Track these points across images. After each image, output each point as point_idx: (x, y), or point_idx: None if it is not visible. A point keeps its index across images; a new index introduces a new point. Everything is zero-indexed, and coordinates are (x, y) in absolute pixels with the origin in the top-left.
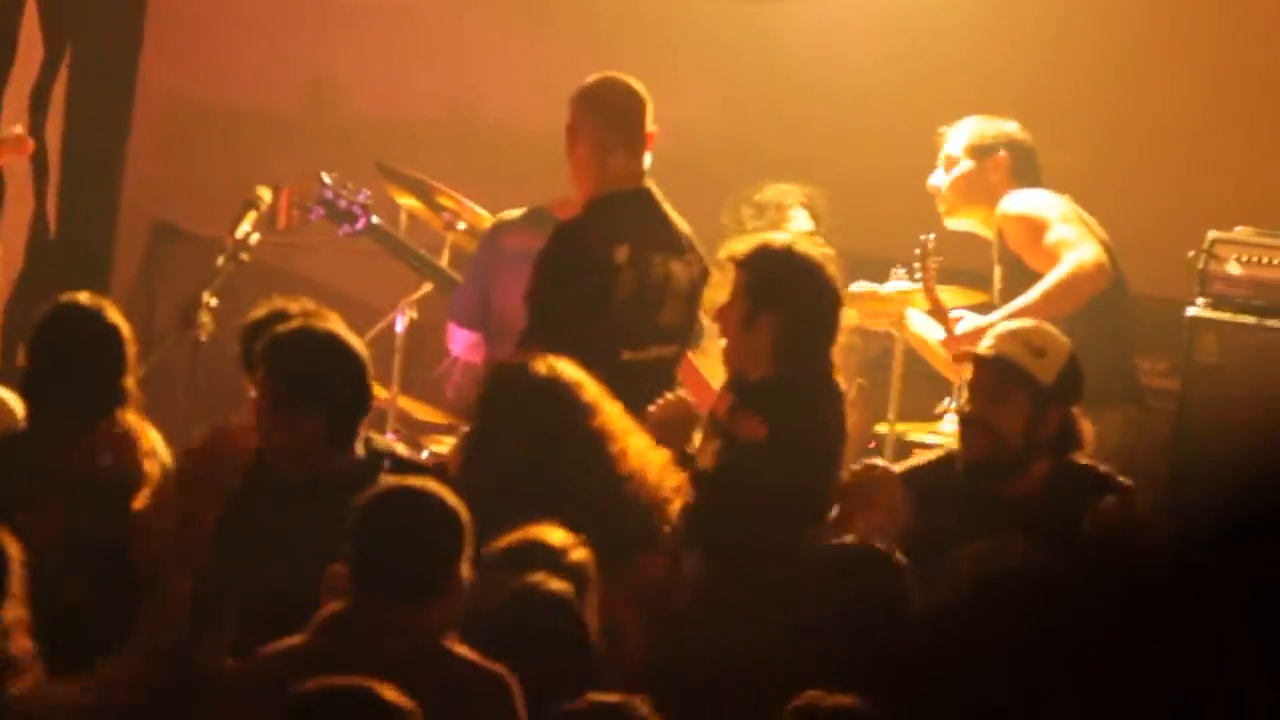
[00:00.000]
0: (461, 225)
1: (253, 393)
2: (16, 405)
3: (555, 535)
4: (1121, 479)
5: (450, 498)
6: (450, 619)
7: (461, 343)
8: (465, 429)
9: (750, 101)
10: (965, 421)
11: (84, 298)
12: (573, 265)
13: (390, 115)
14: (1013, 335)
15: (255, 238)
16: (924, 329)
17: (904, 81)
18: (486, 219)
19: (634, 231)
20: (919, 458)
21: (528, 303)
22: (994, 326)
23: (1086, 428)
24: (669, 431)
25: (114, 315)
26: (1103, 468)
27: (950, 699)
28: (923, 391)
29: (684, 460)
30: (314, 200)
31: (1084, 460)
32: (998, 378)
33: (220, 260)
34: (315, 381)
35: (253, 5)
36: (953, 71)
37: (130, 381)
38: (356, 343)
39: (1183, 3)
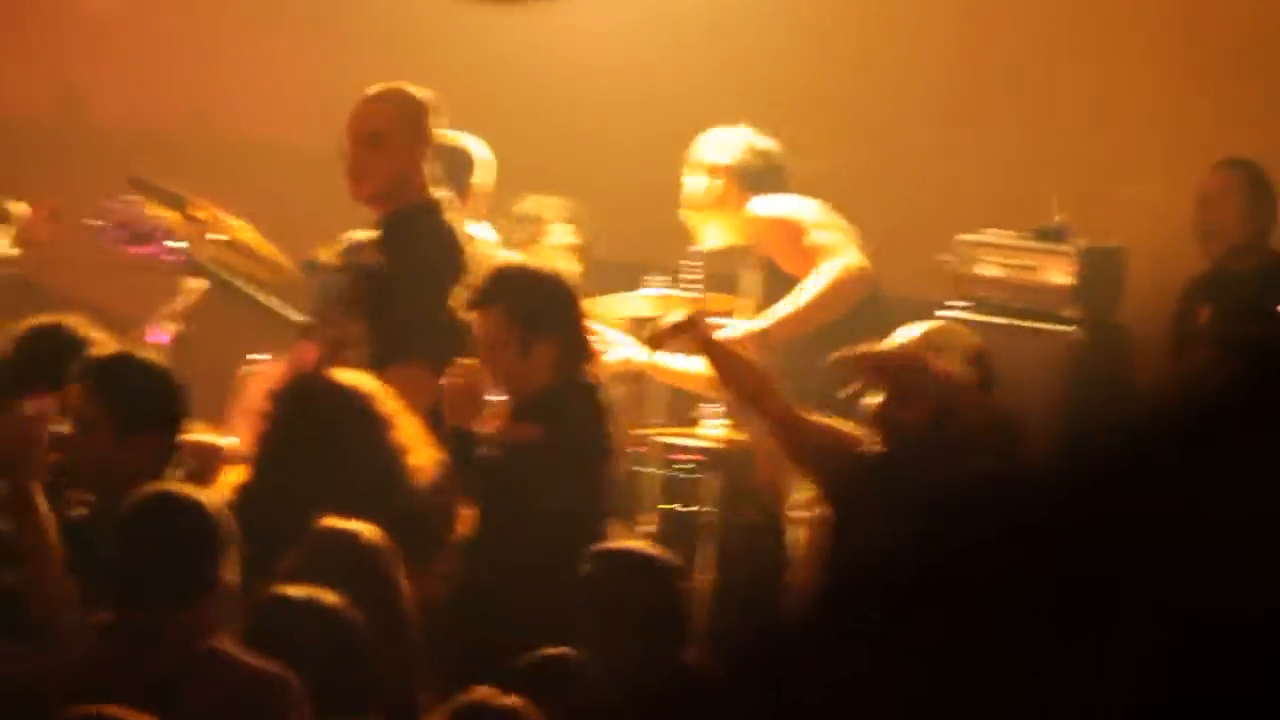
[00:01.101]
0: (218, 237)
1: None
2: None
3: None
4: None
5: (208, 500)
6: (215, 622)
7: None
8: (253, 439)
9: (507, 111)
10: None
11: None
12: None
13: (139, 126)
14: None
15: (12, 252)
16: (672, 362)
17: (661, 89)
18: (242, 230)
19: None
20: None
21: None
22: (762, 332)
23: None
24: (460, 398)
25: None
26: None
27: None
28: (678, 397)
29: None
30: (113, 218)
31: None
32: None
33: None
34: (149, 407)
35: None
36: (708, 77)
37: None
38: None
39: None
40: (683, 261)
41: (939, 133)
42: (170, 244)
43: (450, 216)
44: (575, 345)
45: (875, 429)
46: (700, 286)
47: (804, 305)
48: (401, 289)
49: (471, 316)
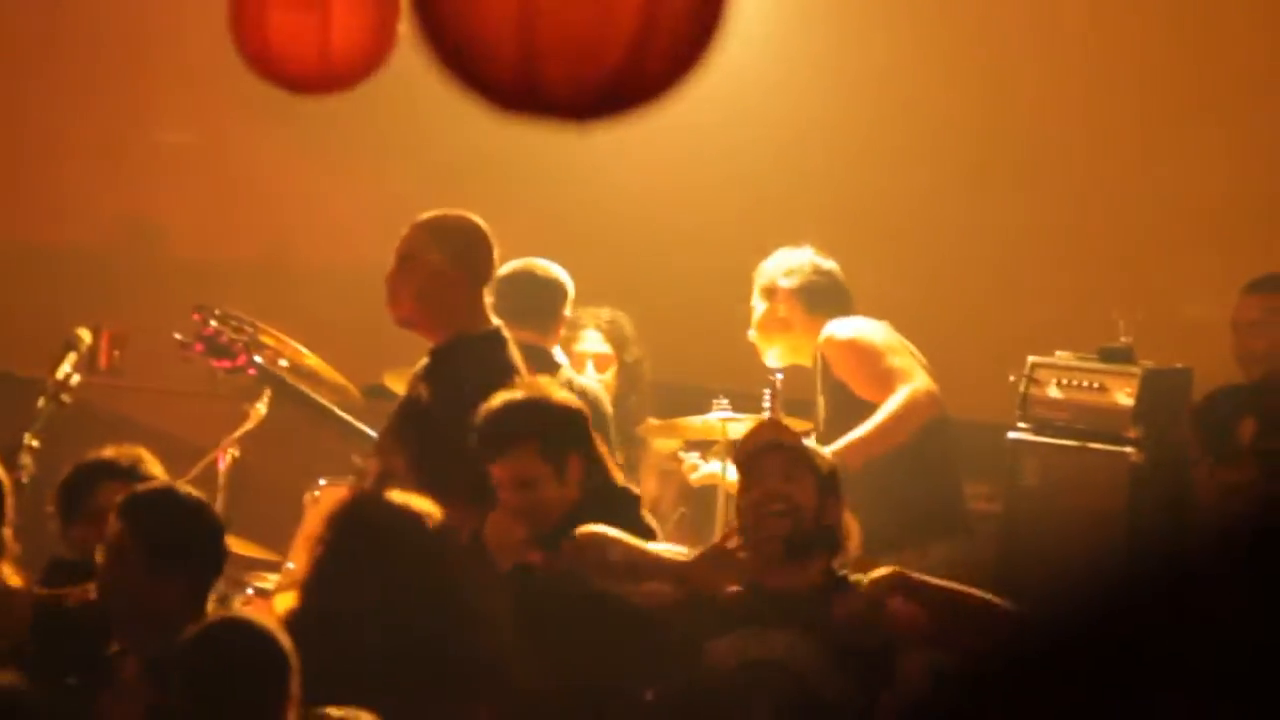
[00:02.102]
0: (284, 363)
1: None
2: None
3: None
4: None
5: (276, 631)
6: None
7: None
8: (307, 562)
9: (572, 232)
10: (762, 503)
11: None
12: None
13: (207, 256)
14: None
15: (76, 379)
16: None
17: (723, 213)
18: (307, 356)
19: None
20: None
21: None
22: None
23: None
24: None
25: None
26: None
27: None
28: None
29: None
30: (193, 335)
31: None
32: (787, 460)
33: (41, 401)
34: (182, 546)
35: (73, 144)
36: (766, 199)
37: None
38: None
39: (993, 127)
40: (767, 391)
41: (1002, 255)
42: (256, 360)
43: (504, 349)
44: (596, 457)
45: None
46: (776, 409)
47: (874, 431)
48: (441, 422)
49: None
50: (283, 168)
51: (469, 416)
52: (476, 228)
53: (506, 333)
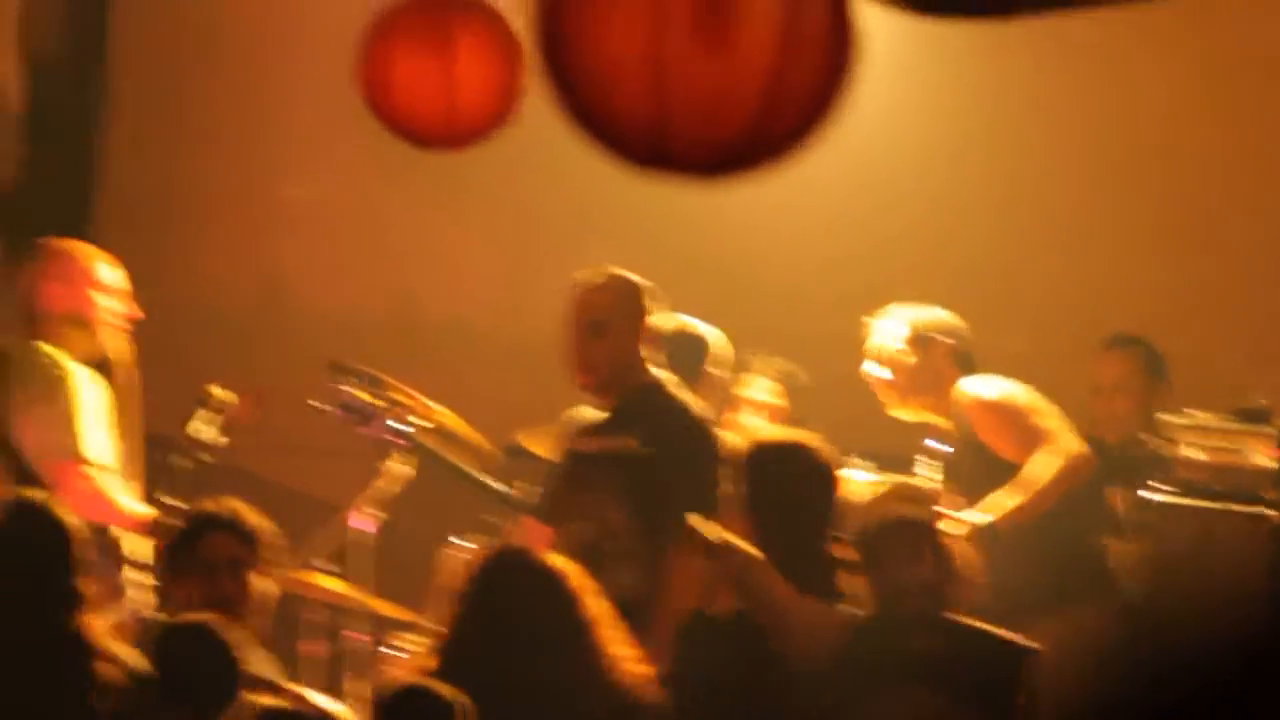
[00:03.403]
0: (417, 420)
1: None
2: None
3: None
4: None
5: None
6: None
7: (539, 541)
8: (449, 618)
9: (690, 292)
10: (890, 588)
11: (36, 496)
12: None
13: (337, 311)
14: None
15: (216, 437)
16: None
17: (839, 273)
18: (443, 414)
19: None
20: None
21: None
22: (990, 527)
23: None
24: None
25: (65, 514)
26: None
27: None
28: None
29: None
30: (330, 400)
31: None
32: (905, 537)
33: (175, 459)
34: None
35: (207, 205)
36: (889, 257)
37: (86, 584)
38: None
39: (1129, 186)
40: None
41: (1138, 315)
42: (392, 424)
43: (680, 394)
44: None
45: None
46: (937, 473)
47: (1034, 497)
48: (656, 470)
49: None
50: (412, 221)
51: (684, 461)
52: (637, 284)
53: (667, 382)
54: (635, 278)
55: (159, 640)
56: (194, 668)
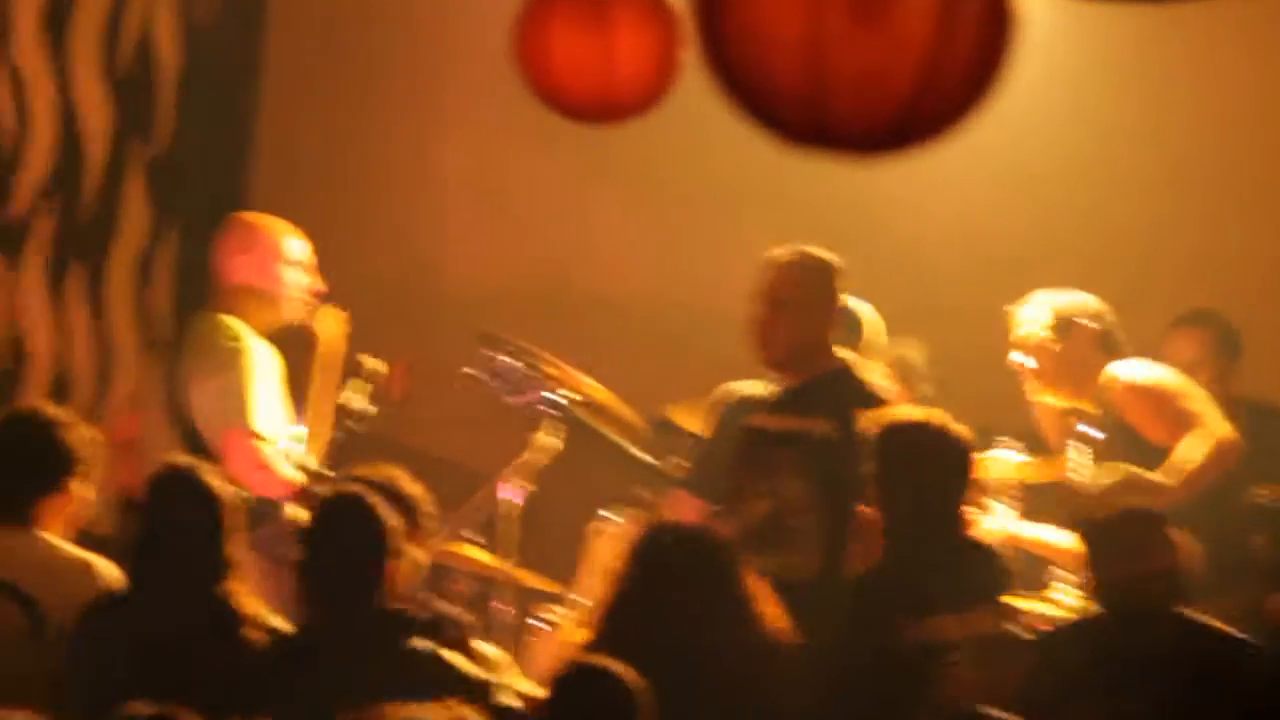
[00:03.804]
0: (568, 393)
1: None
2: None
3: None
4: None
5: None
6: None
7: (690, 513)
8: (605, 592)
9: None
10: (1116, 583)
11: (184, 465)
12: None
13: (486, 285)
14: (1127, 487)
15: (370, 408)
16: (1038, 534)
17: (986, 250)
18: (592, 387)
19: None
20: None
21: None
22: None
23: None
24: None
25: (215, 483)
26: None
27: None
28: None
29: None
30: (483, 369)
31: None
32: (1133, 531)
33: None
34: None
35: (359, 175)
36: (1035, 236)
37: (235, 550)
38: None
39: (1270, 170)
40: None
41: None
42: (544, 394)
43: (870, 379)
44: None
45: None
46: (1087, 458)
47: (1185, 482)
48: (844, 454)
49: None
50: (562, 196)
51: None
52: (831, 265)
53: (856, 365)
54: (827, 257)
55: None
56: None
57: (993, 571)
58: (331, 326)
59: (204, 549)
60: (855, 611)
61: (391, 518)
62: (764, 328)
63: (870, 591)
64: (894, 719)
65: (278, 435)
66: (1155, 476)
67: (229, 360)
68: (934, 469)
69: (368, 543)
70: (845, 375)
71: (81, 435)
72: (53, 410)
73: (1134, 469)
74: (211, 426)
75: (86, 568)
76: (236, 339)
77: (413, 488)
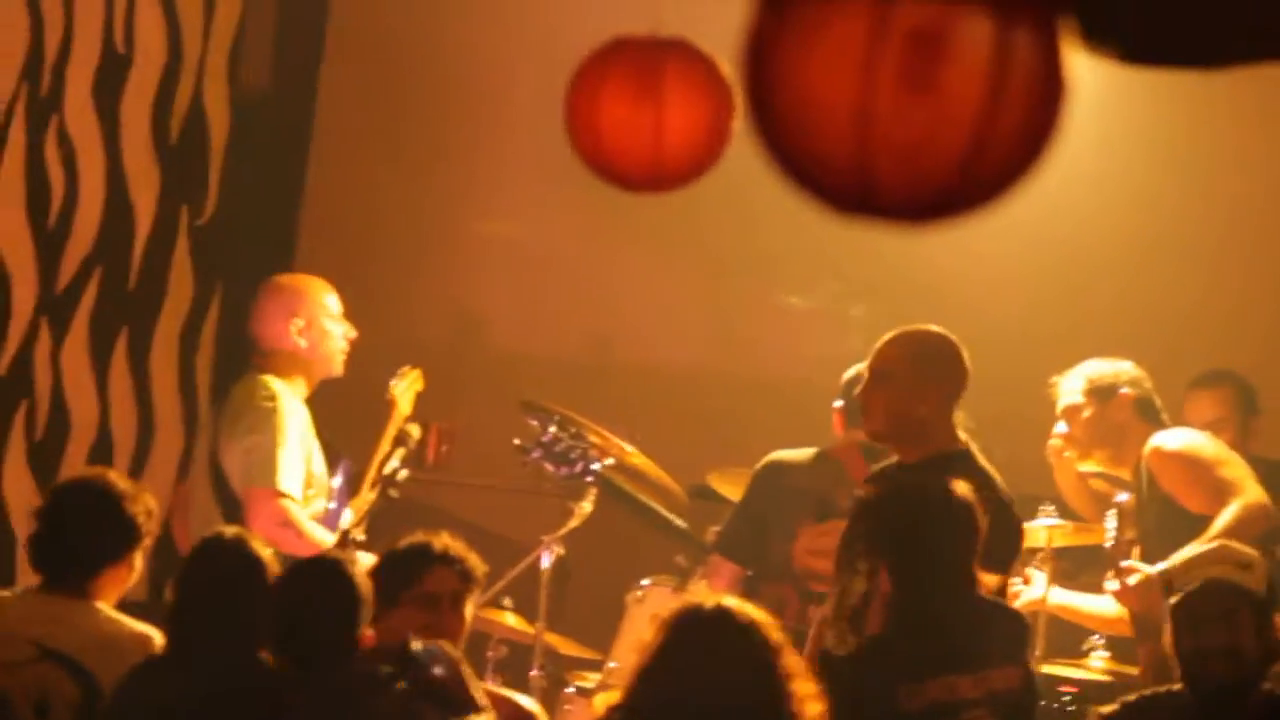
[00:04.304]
0: (609, 461)
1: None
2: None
3: None
4: None
5: None
6: None
7: (726, 578)
8: (638, 659)
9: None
10: (1199, 655)
11: (228, 531)
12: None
13: (530, 349)
14: (1213, 558)
15: (403, 473)
16: (1068, 600)
17: (1030, 317)
18: (633, 455)
19: None
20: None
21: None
22: (1176, 568)
23: None
24: None
25: (258, 548)
26: None
27: None
28: (1059, 628)
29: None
30: (532, 441)
31: None
32: (1220, 602)
33: (367, 494)
34: None
35: (408, 241)
36: (1079, 301)
37: None
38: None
39: None
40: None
41: None
42: (592, 465)
43: (988, 469)
44: None
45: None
46: (1124, 530)
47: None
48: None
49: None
50: (610, 262)
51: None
52: (950, 344)
53: (976, 451)
54: (939, 334)
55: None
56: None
57: (1011, 630)
58: (410, 390)
59: (247, 614)
60: (857, 679)
61: (365, 585)
62: (864, 398)
63: (875, 657)
64: None
65: (314, 495)
66: (1243, 548)
67: (259, 420)
68: (928, 531)
69: (342, 608)
70: (964, 459)
71: (145, 506)
72: (118, 480)
73: (1228, 541)
74: (240, 484)
75: (146, 641)
76: (271, 399)
77: (474, 557)
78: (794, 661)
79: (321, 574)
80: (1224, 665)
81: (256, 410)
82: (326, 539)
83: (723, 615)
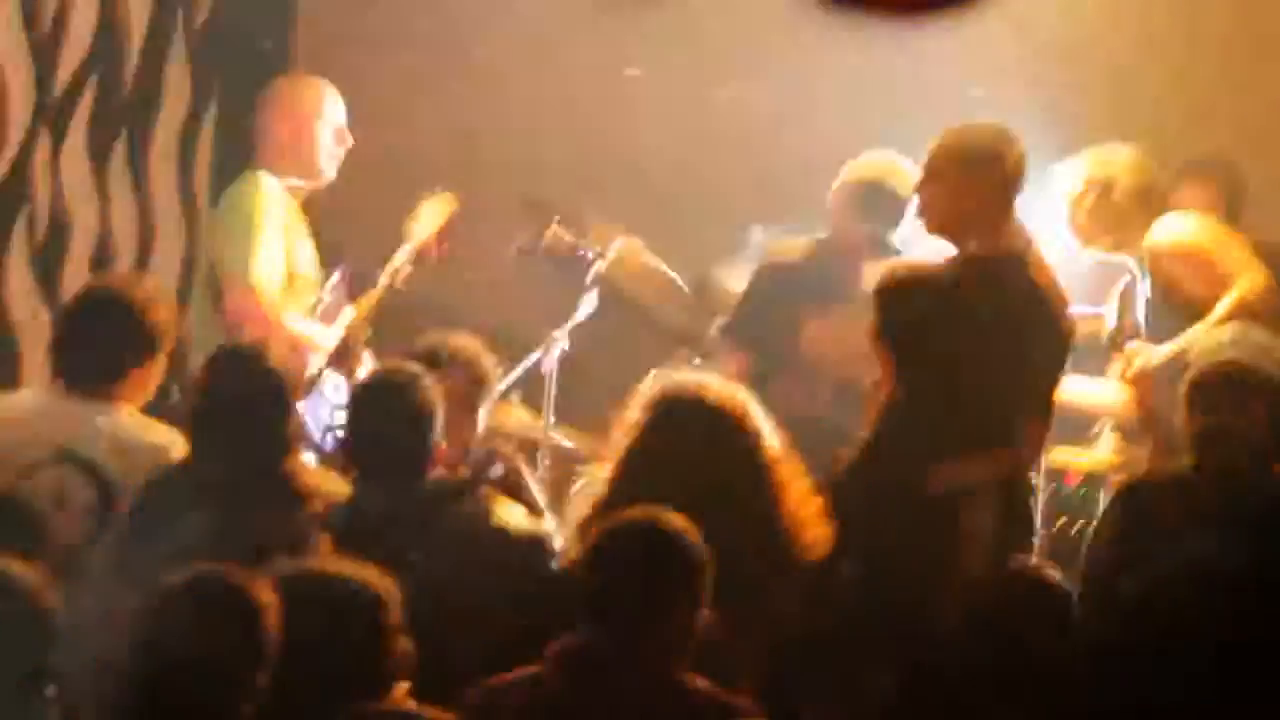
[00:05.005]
0: (613, 256)
1: None
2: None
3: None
4: None
5: (688, 534)
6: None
7: (734, 367)
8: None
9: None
10: (1209, 435)
11: (244, 345)
12: None
13: (527, 155)
14: (1237, 343)
15: (406, 268)
16: (1077, 389)
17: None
18: (633, 249)
19: None
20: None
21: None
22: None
23: None
24: None
25: (274, 359)
26: None
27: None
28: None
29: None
30: (533, 242)
31: None
32: (1236, 385)
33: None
34: None
35: (393, 45)
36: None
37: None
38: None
39: None
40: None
41: None
42: (590, 262)
43: (1037, 275)
44: None
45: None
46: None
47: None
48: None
49: None
50: (608, 65)
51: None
52: (998, 140)
53: (1031, 250)
54: (999, 130)
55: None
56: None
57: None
58: (440, 209)
59: (264, 425)
60: (877, 451)
61: (435, 395)
62: (920, 194)
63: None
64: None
65: (300, 289)
66: (1261, 336)
67: (237, 213)
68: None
69: (409, 423)
70: (1014, 264)
71: (166, 312)
72: (139, 287)
73: (1251, 326)
74: (220, 268)
75: (165, 450)
76: (254, 193)
77: (488, 358)
78: (776, 447)
79: (397, 388)
80: (1235, 445)
81: (236, 205)
82: (308, 332)
83: (698, 395)
